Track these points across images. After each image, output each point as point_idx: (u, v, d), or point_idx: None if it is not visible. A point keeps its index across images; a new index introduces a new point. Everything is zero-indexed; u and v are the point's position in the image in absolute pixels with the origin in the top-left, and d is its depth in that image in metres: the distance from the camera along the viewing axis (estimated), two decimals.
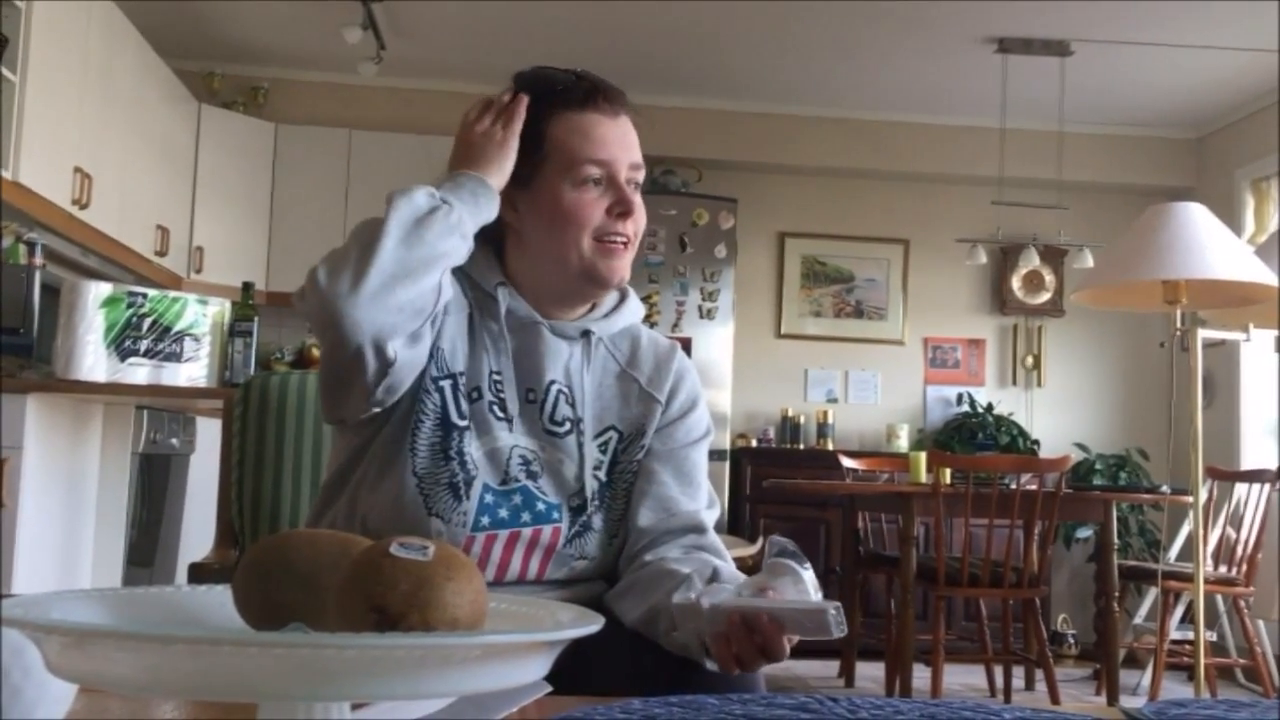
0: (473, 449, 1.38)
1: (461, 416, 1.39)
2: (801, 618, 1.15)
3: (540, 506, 1.41)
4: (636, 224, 1.43)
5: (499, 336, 1.43)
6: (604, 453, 1.46)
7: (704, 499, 1.50)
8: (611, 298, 1.52)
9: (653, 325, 5.77)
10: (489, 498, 1.38)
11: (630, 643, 1.34)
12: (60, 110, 4.11)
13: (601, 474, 1.45)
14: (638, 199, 1.43)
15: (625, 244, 1.42)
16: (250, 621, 0.72)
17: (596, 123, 1.40)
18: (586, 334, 1.46)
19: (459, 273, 1.42)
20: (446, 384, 1.39)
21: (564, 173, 1.39)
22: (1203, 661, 3.18)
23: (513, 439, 1.41)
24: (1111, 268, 3.20)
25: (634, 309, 1.54)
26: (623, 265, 1.43)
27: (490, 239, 1.46)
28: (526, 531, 1.39)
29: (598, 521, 1.44)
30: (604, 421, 1.47)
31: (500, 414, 1.40)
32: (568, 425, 1.43)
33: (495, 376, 1.41)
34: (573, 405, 1.44)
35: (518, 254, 1.46)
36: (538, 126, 1.40)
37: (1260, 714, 1.03)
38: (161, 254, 5.27)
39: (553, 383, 1.44)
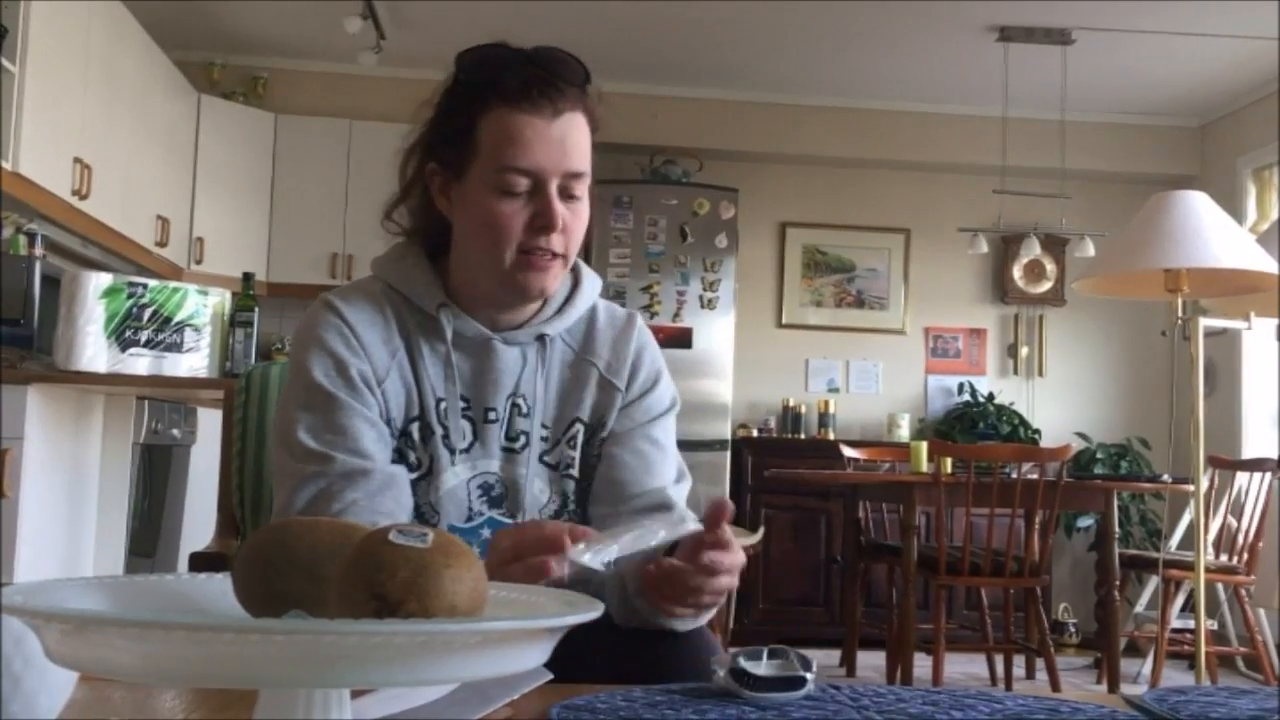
0: (430, 496, 1.35)
1: (413, 467, 1.35)
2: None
3: None
4: (568, 236, 1.32)
5: (446, 361, 1.37)
6: (573, 448, 1.41)
7: (671, 474, 1.44)
8: (563, 288, 1.43)
9: (653, 315, 5.77)
10: None
11: (624, 629, 1.35)
12: (60, 101, 4.11)
13: (574, 471, 1.41)
14: (574, 208, 1.32)
15: (552, 257, 1.32)
16: (251, 610, 0.72)
17: (527, 124, 1.28)
18: (541, 337, 1.40)
19: (394, 294, 1.39)
20: (397, 440, 1.36)
21: (488, 177, 1.29)
22: (1204, 650, 3.18)
23: (468, 470, 1.37)
24: (1113, 256, 3.20)
25: (589, 292, 1.46)
26: (547, 279, 1.33)
27: (430, 241, 1.41)
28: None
29: None
30: (566, 417, 1.42)
31: (450, 446, 1.36)
32: (524, 439, 1.39)
33: (441, 405, 1.36)
34: (526, 415, 1.39)
35: (456, 250, 1.39)
36: (470, 117, 1.30)
37: (1260, 701, 1.03)
38: (162, 245, 5.27)
39: (508, 397, 1.39)
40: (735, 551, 1.13)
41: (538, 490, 1.39)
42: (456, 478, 1.36)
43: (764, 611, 5.84)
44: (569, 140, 1.30)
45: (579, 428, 1.42)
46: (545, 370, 1.41)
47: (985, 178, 6.20)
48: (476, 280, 1.37)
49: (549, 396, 1.41)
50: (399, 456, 1.35)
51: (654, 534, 1.05)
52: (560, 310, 1.43)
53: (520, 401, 1.39)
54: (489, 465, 1.38)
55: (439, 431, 1.35)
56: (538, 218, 1.30)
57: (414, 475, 1.35)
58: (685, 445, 1.52)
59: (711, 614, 1.33)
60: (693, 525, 1.10)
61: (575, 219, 1.33)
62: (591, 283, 1.47)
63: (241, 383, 1.80)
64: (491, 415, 1.38)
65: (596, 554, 1.02)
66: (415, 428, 1.36)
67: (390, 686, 0.83)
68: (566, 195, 1.32)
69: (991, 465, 4.15)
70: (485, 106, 1.30)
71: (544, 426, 1.40)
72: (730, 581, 1.15)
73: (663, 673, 1.10)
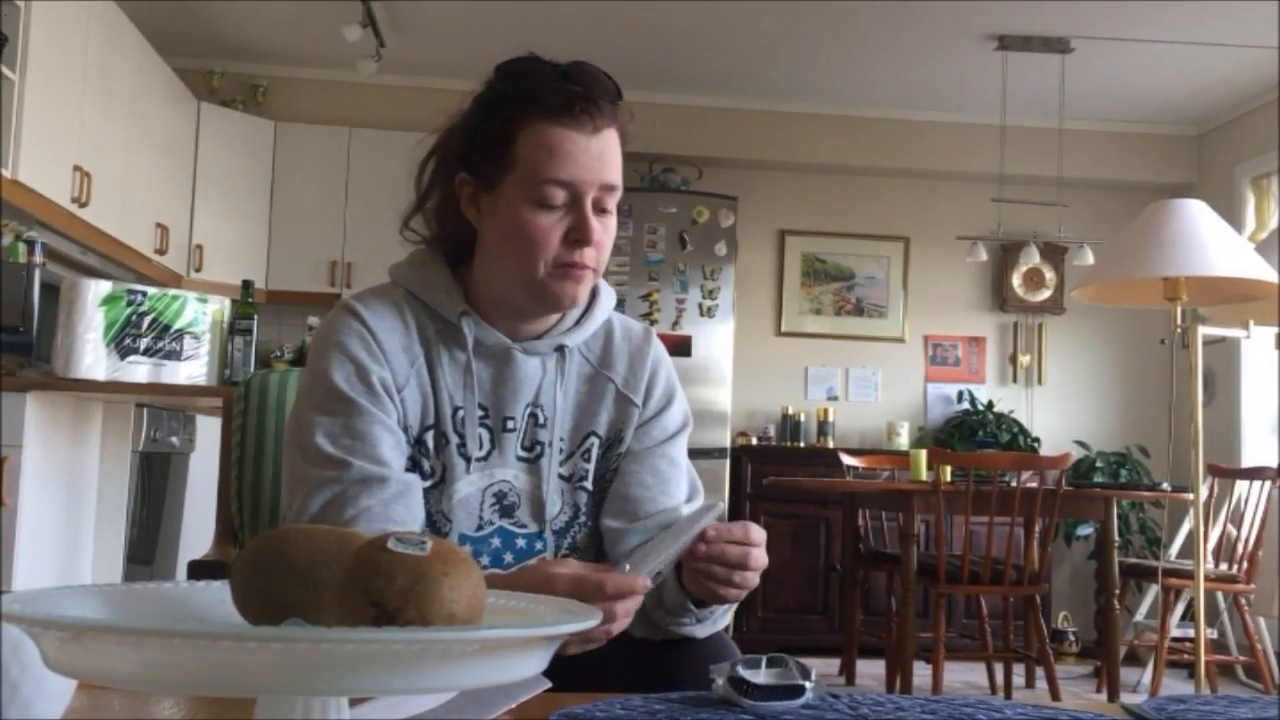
0: (443, 504, 1.35)
1: (426, 475, 1.35)
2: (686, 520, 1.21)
3: (521, 543, 1.38)
4: (600, 250, 1.34)
5: (465, 369, 1.37)
6: (588, 461, 1.42)
7: (684, 492, 1.45)
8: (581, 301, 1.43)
9: (652, 323, 5.77)
10: (466, 547, 1.35)
11: (626, 638, 1.35)
12: (60, 108, 4.11)
13: (588, 484, 1.42)
14: (605, 222, 1.34)
15: (584, 270, 1.33)
16: (249, 617, 0.72)
17: (567, 138, 1.29)
18: (560, 348, 1.40)
19: (415, 302, 1.39)
20: (411, 448, 1.35)
21: (526, 189, 1.29)
22: (1203, 659, 3.18)
23: (485, 479, 1.36)
24: (1112, 265, 3.20)
25: (606, 305, 1.47)
26: (578, 291, 1.34)
27: (451, 250, 1.41)
28: (495, 570, 1.35)
29: (583, 539, 1.42)
30: (582, 430, 1.42)
31: (465, 455, 1.35)
32: (539, 449, 1.39)
33: (459, 414, 1.36)
34: (544, 426, 1.39)
35: (482, 259, 1.38)
36: (508, 129, 1.30)
37: (1259, 710, 1.03)
38: (161, 252, 5.27)
39: (527, 406, 1.39)
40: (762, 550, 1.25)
41: (551, 501, 1.39)
42: (471, 486, 1.36)
43: (763, 619, 5.84)
44: (606, 155, 1.31)
45: (594, 441, 1.42)
46: (564, 382, 1.41)
47: (984, 186, 6.21)
48: (504, 290, 1.36)
49: (566, 408, 1.41)
50: (412, 465, 1.35)
51: (678, 538, 1.18)
52: (579, 322, 1.43)
53: (538, 412, 1.39)
54: (505, 474, 1.38)
55: (454, 440, 1.35)
56: (573, 231, 1.30)
57: (427, 484, 1.35)
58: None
59: (728, 619, 1.34)
60: (706, 519, 1.22)
61: (606, 233, 1.34)
62: (608, 295, 1.48)
63: (240, 390, 1.80)
64: (510, 424, 1.38)
65: (637, 568, 1.14)
66: (430, 436, 1.36)
67: (388, 694, 0.83)
68: (599, 209, 1.33)
69: (991, 473, 4.15)
70: (525, 120, 1.30)
71: (560, 438, 1.40)
72: (753, 579, 1.25)
73: (669, 680, 1.11)
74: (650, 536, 1.38)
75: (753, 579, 1.24)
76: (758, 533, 1.24)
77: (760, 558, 1.23)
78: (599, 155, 1.30)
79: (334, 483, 1.28)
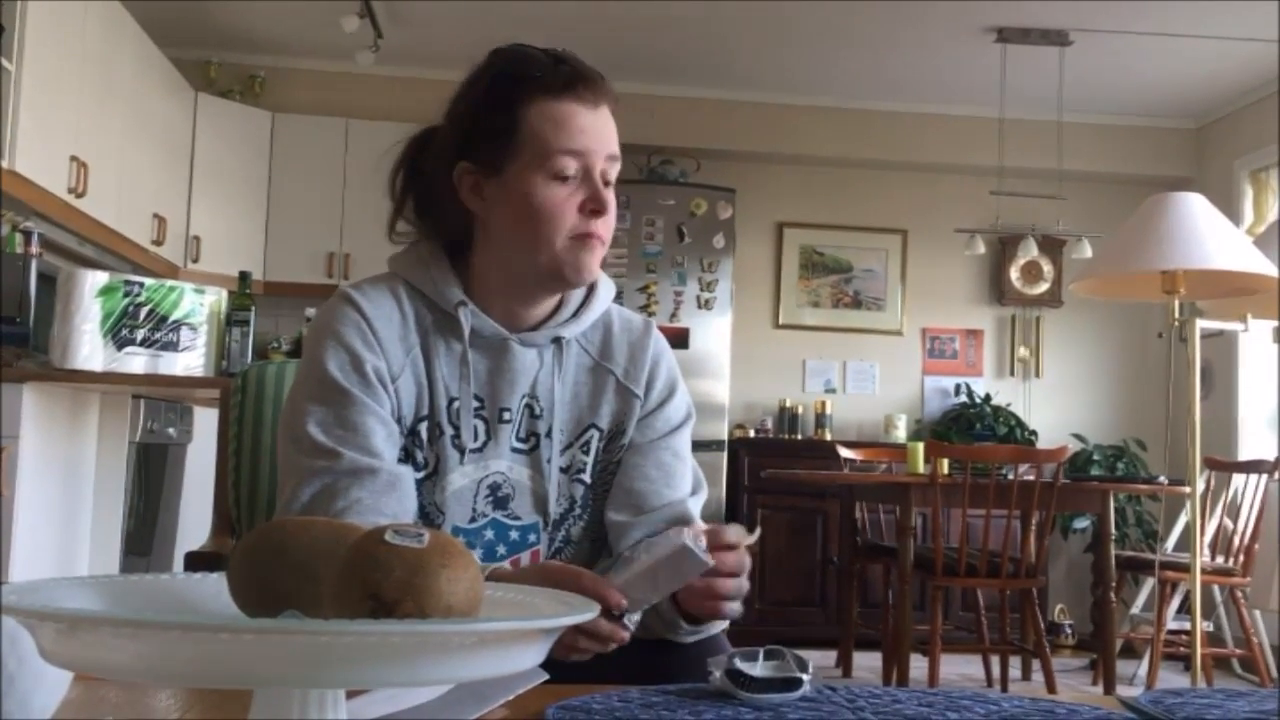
0: (436, 496, 1.34)
1: (420, 466, 1.35)
2: (671, 562, 1.15)
3: (514, 535, 1.38)
4: (609, 222, 1.35)
5: (461, 360, 1.36)
6: (587, 454, 1.41)
7: (688, 485, 1.45)
8: (579, 291, 1.44)
9: (650, 315, 5.77)
10: (460, 540, 1.35)
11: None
12: (57, 99, 4.10)
13: (586, 476, 1.41)
14: (611, 195, 1.35)
15: (598, 239, 1.34)
16: (246, 609, 0.72)
17: (575, 112, 1.32)
18: (557, 340, 1.40)
19: (413, 292, 1.38)
20: (404, 439, 1.35)
21: (537, 164, 1.31)
22: (1199, 651, 3.18)
23: (479, 470, 1.36)
24: (1110, 258, 3.20)
25: (604, 297, 1.47)
26: (594, 263, 1.35)
27: (449, 239, 1.41)
28: (504, 565, 1.35)
29: (578, 531, 1.41)
30: (582, 422, 1.42)
31: (459, 446, 1.35)
32: (534, 440, 1.39)
33: (453, 405, 1.36)
34: (540, 417, 1.39)
35: (484, 247, 1.38)
36: (512, 111, 1.32)
37: (1256, 703, 1.03)
38: (158, 243, 5.27)
39: (523, 397, 1.38)
40: (741, 555, 1.22)
41: (544, 492, 1.39)
42: (465, 478, 1.36)
43: (760, 612, 5.84)
44: (608, 127, 1.35)
45: (594, 433, 1.42)
46: (561, 373, 1.40)
47: (983, 179, 6.20)
48: (516, 273, 1.36)
49: (564, 399, 1.41)
50: (405, 455, 1.34)
51: (668, 583, 1.16)
52: (576, 313, 1.43)
53: (535, 403, 1.39)
54: (499, 466, 1.37)
55: (449, 431, 1.35)
56: (590, 201, 1.33)
57: (420, 475, 1.34)
58: None
59: (725, 625, 1.34)
60: (699, 558, 1.16)
61: (613, 207, 1.36)
62: (607, 287, 1.47)
63: (238, 382, 1.80)
64: (505, 415, 1.38)
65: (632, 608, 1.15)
66: (424, 427, 1.35)
67: (386, 687, 0.83)
68: (604, 182, 1.35)
69: (988, 466, 4.15)
70: (529, 99, 1.32)
71: (559, 430, 1.40)
72: (741, 584, 1.23)
73: (666, 675, 1.11)
74: (653, 531, 1.38)
75: (730, 602, 1.24)
76: (737, 561, 1.22)
77: (742, 585, 1.24)
78: (603, 127, 1.34)
79: (325, 473, 1.28)
